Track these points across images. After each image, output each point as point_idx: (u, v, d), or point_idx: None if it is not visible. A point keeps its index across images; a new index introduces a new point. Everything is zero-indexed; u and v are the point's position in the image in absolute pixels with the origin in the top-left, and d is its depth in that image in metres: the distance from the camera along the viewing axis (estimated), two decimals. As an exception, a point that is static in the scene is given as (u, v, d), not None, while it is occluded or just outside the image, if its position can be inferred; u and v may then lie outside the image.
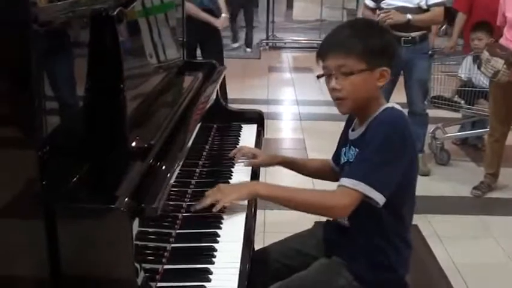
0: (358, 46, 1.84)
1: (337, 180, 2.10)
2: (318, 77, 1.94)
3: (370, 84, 1.87)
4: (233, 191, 1.91)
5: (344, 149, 2.02)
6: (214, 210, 1.84)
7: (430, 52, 4.69)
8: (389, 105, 1.92)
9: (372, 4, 4.69)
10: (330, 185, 2.26)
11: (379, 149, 1.80)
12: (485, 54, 4.06)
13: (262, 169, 2.45)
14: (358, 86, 1.86)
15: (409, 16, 4.44)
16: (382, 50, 1.86)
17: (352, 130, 1.99)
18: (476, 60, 4.67)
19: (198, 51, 5.67)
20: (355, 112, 1.99)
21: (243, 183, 2.00)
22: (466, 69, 5.12)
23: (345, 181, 1.81)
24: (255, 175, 2.27)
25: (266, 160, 2.34)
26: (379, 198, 1.79)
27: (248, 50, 10.12)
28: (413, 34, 4.52)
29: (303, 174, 2.35)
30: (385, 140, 1.81)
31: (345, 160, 2.00)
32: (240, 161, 2.32)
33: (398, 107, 1.94)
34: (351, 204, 1.80)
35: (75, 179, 1.44)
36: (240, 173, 2.23)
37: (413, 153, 1.93)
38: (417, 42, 4.54)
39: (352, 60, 1.84)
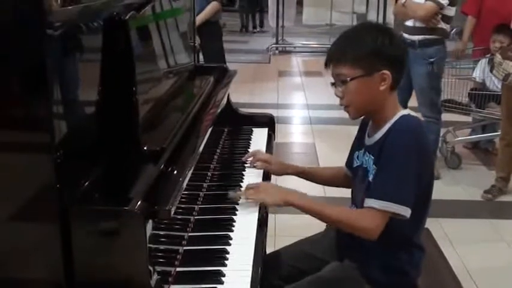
0: (351, 53, 1.84)
1: (350, 186, 2.10)
2: (332, 84, 1.94)
3: (371, 89, 1.85)
4: (275, 193, 1.95)
5: (357, 153, 2.01)
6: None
7: (431, 60, 4.41)
8: (405, 112, 1.90)
9: None
10: (342, 192, 2.27)
11: (402, 162, 1.79)
12: (498, 58, 4.06)
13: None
14: (358, 93, 1.86)
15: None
16: (375, 53, 1.83)
17: (369, 135, 1.97)
18: (490, 63, 4.64)
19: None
20: (367, 116, 1.99)
21: (281, 188, 2.00)
22: (480, 72, 5.06)
23: (374, 202, 1.80)
24: (266, 179, 2.27)
25: (278, 169, 2.33)
26: (408, 212, 1.79)
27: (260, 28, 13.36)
28: (414, 37, 4.40)
29: (316, 182, 2.35)
30: (406, 152, 1.80)
31: (358, 164, 1.99)
32: (251, 164, 2.32)
33: (414, 113, 1.93)
34: (382, 225, 1.81)
35: (89, 181, 1.46)
36: (252, 177, 2.23)
37: (430, 160, 1.93)
38: (416, 46, 4.37)
39: (347, 68, 1.84)
